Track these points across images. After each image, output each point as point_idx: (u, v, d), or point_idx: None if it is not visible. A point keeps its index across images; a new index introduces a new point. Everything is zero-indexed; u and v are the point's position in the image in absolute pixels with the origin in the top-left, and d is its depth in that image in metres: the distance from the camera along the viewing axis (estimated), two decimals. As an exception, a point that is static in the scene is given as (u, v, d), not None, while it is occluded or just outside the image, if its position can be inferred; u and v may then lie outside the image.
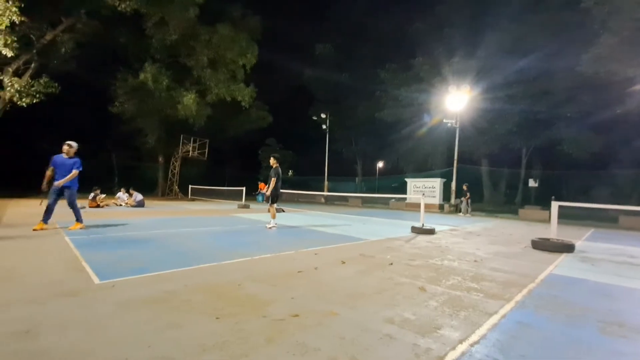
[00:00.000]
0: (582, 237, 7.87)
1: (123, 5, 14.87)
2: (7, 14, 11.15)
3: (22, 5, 11.46)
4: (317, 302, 2.51)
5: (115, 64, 20.16)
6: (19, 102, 14.01)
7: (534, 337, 2.04)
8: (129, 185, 13.13)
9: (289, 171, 36.11)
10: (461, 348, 1.84)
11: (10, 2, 11.19)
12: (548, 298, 2.87)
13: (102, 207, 10.85)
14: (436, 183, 18.29)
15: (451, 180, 17.13)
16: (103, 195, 11.30)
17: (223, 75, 19.73)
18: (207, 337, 1.85)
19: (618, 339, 2.07)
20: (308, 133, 31.71)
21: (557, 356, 1.82)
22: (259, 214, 10.66)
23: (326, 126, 25.28)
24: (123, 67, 19.74)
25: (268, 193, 7.03)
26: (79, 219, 5.89)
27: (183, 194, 22.32)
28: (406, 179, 20.46)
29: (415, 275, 3.44)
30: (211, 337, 1.84)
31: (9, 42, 11.91)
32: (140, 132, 22.36)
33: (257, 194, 19.25)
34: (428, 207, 16.30)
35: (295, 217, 10.47)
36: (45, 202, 5.66)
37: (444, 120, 17.50)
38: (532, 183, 18.37)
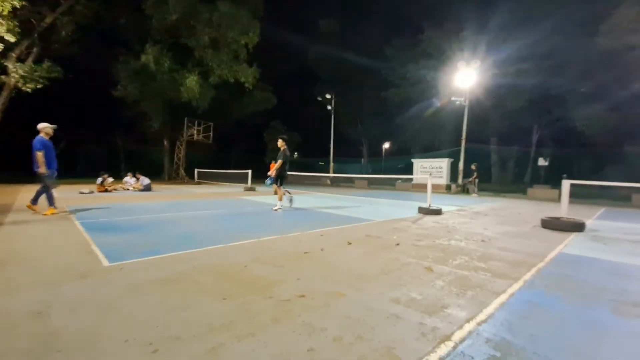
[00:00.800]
0: (594, 216, 7.74)
1: None
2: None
3: None
4: (323, 282, 2.51)
5: (116, 46, 19.92)
6: (23, 88, 14.10)
7: (543, 316, 2.01)
8: (136, 169, 13.27)
9: (294, 153, 36.05)
10: (468, 327, 1.82)
11: None
12: (558, 277, 2.83)
13: (110, 191, 11.02)
14: (443, 163, 18.06)
15: (459, 160, 16.88)
16: (111, 179, 11.45)
17: (225, 56, 19.28)
18: (214, 317, 1.86)
19: (632, 319, 2.02)
20: (313, 114, 31.29)
21: (568, 336, 1.78)
22: (265, 196, 10.71)
23: (331, 107, 24.86)
24: (124, 49, 19.50)
25: (274, 174, 7.02)
26: (35, 202, 5.71)
27: (189, 177, 22.51)
28: (413, 160, 20.24)
29: (422, 256, 3.42)
30: (218, 318, 1.86)
31: (11, 27, 11.80)
32: (144, 116, 22.32)
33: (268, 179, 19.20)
34: (435, 187, 16.14)
35: (301, 199, 10.48)
36: (55, 186, 5.75)
37: (452, 98, 17.02)
38: (542, 162, 17.99)
